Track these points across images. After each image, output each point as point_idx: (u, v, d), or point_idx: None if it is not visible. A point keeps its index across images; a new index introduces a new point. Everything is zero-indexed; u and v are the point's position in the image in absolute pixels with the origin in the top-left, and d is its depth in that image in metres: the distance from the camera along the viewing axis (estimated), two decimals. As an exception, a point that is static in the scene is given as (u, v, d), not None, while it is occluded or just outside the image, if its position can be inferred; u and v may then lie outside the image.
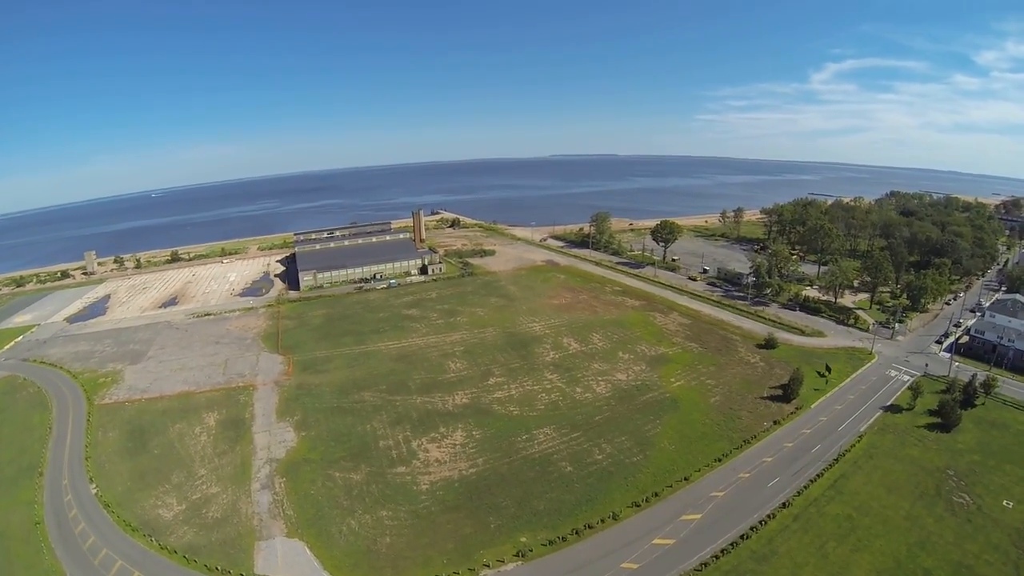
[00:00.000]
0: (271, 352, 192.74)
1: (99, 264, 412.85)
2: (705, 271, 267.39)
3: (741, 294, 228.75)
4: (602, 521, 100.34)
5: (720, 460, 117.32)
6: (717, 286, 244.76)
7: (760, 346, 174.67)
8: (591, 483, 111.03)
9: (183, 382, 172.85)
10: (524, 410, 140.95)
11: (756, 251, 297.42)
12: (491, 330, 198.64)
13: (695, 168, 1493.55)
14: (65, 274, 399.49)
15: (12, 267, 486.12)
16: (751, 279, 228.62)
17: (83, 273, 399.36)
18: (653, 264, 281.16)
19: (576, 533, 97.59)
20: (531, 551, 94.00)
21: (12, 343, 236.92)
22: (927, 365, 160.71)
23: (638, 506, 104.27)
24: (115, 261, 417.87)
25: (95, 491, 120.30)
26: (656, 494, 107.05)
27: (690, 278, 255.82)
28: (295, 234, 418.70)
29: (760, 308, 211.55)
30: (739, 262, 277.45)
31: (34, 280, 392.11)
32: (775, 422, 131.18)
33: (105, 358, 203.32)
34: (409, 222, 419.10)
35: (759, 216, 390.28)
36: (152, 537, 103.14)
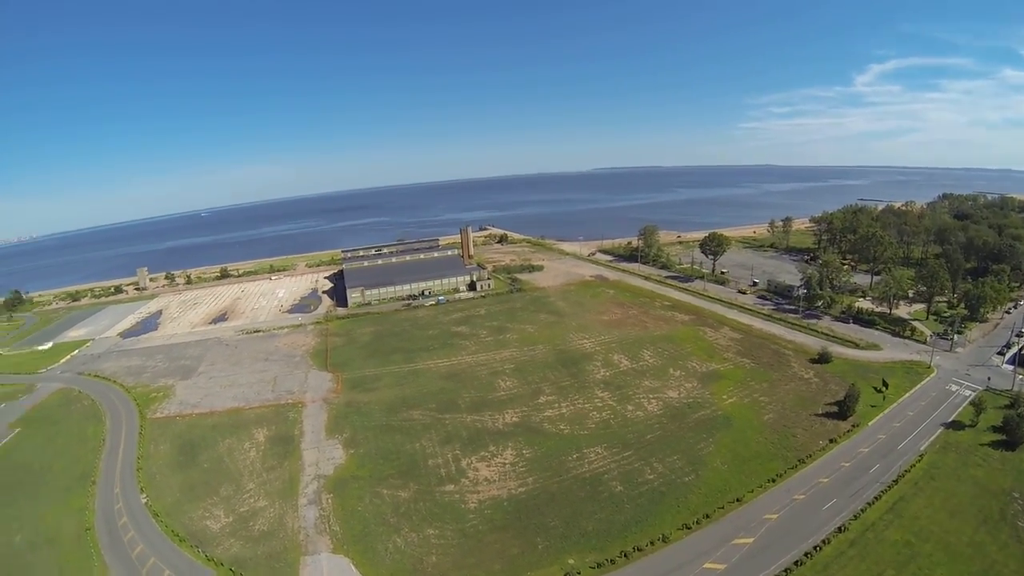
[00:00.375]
0: (320, 369, 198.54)
1: (151, 280, 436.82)
2: (755, 284, 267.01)
3: (792, 307, 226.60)
4: (652, 543, 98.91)
5: (774, 481, 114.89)
6: (767, 299, 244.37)
7: (814, 361, 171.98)
8: (641, 503, 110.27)
9: (233, 398, 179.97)
10: (575, 428, 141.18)
11: (806, 261, 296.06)
12: (541, 347, 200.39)
13: (740, 177, 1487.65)
14: (119, 289, 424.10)
15: (68, 282, 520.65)
16: (802, 291, 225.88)
17: (136, 288, 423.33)
18: (702, 277, 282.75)
19: (625, 556, 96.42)
20: (579, 574, 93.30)
21: (68, 357, 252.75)
22: (989, 378, 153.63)
23: (689, 528, 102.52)
24: (166, 277, 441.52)
25: (145, 501, 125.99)
26: (707, 516, 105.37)
27: (740, 291, 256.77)
28: (343, 251, 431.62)
29: (812, 321, 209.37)
30: (789, 273, 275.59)
31: (89, 295, 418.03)
32: (831, 440, 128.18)
33: (157, 373, 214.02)
34: (457, 238, 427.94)
35: (808, 225, 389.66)
36: (199, 548, 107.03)
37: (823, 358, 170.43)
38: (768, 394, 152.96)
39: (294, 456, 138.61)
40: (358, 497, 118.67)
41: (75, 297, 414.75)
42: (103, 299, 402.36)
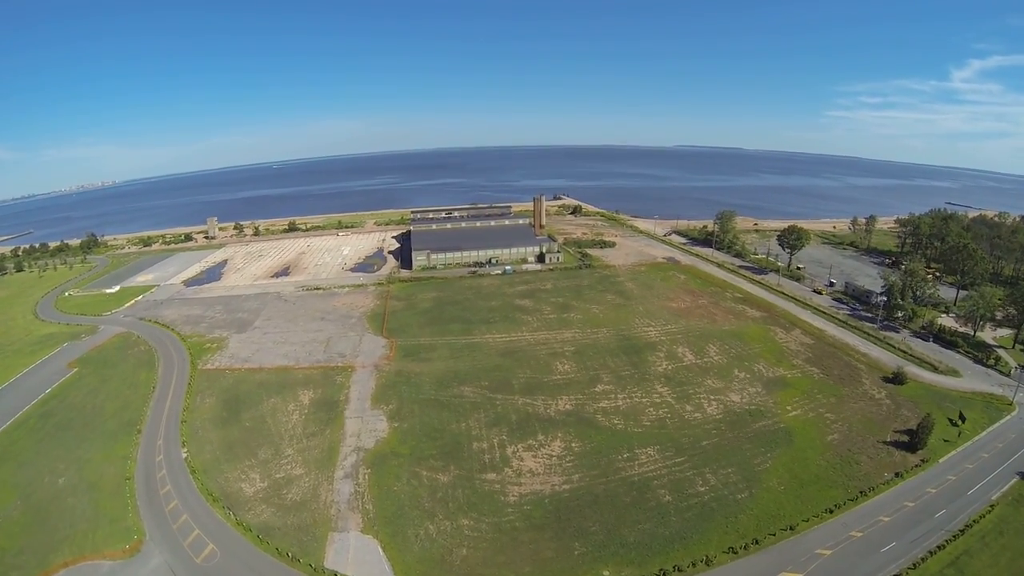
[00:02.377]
0: (375, 334, 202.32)
1: (220, 229, 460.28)
2: (831, 284, 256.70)
3: (869, 315, 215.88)
4: (693, 565, 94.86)
5: (831, 512, 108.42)
6: (843, 302, 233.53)
7: (887, 379, 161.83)
8: (688, 518, 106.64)
9: (284, 356, 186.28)
10: (629, 424, 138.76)
11: (888, 265, 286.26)
12: (604, 331, 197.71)
13: (823, 167, 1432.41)
14: (188, 237, 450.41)
15: (142, 227, 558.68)
16: (882, 299, 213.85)
17: (205, 237, 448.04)
18: (777, 271, 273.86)
19: (663, 574, 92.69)
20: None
21: (132, 301, 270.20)
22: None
23: (735, 553, 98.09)
24: (235, 227, 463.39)
25: (185, 455, 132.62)
26: (756, 541, 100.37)
27: (815, 291, 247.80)
28: (412, 211, 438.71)
29: (890, 334, 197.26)
30: (868, 277, 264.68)
31: (160, 241, 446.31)
32: (897, 474, 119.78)
33: (214, 324, 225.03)
34: (529, 206, 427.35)
35: (892, 226, 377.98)
36: (230, 511, 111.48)
37: (897, 378, 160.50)
38: (835, 411, 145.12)
39: (336, 424, 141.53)
40: (396, 476, 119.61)
41: (146, 242, 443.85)
42: (172, 246, 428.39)
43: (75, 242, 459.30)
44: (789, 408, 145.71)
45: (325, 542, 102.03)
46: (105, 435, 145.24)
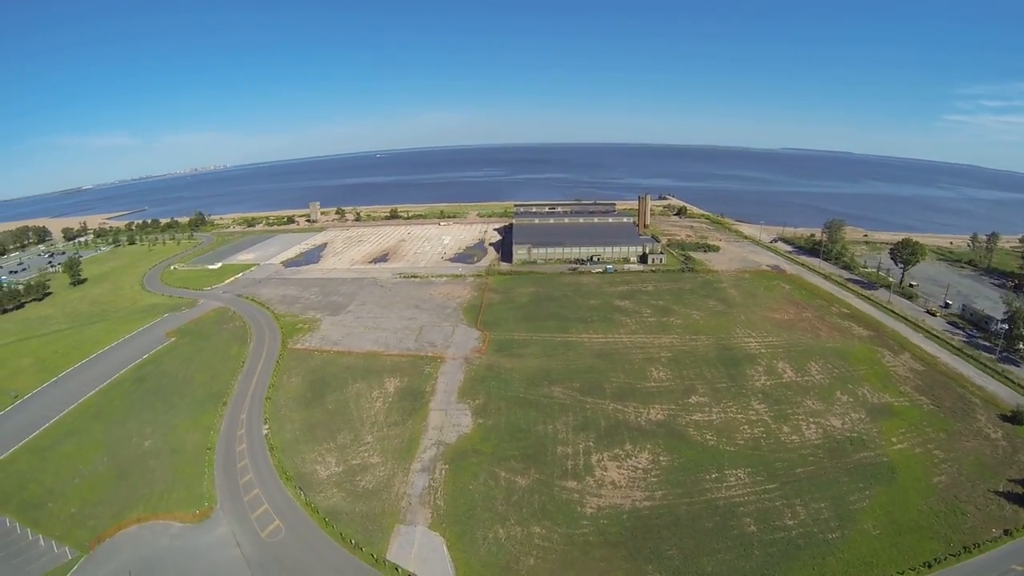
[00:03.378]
0: (469, 325, 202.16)
1: (322, 213, 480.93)
2: (947, 305, 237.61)
3: (988, 343, 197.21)
4: None
5: (930, 567, 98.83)
6: (959, 327, 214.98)
7: (1005, 418, 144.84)
8: (772, 553, 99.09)
9: (374, 342, 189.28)
10: (721, 441, 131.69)
11: (1011, 289, 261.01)
12: (703, 339, 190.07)
13: (939, 176, 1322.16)
14: (291, 219, 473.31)
15: (247, 208, 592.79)
16: (1003, 326, 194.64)
17: (307, 220, 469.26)
18: (888, 287, 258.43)
19: None
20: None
21: (232, 278, 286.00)
22: None
23: None
24: (337, 212, 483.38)
25: (266, 432, 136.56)
26: None
27: (928, 311, 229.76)
28: (515, 204, 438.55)
29: (1009, 367, 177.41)
30: (988, 300, 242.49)
31: (264, 222, 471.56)
32: (1006, 532, 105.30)
33: (308, 305, 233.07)
34: (634, 204, 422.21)
35: (1016, 245, 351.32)
36: (302, 491, 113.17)
37: (1016, 417, 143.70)
38: (944, 448, 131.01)
39: (420, 415, 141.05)
40: (473, 474, 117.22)
41: (250, 223, 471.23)
42: (275, 227, 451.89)
43: (184, 219, 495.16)
44: (894, 440, 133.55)
45: (391, 533, 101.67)
46: (193, 404, 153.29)
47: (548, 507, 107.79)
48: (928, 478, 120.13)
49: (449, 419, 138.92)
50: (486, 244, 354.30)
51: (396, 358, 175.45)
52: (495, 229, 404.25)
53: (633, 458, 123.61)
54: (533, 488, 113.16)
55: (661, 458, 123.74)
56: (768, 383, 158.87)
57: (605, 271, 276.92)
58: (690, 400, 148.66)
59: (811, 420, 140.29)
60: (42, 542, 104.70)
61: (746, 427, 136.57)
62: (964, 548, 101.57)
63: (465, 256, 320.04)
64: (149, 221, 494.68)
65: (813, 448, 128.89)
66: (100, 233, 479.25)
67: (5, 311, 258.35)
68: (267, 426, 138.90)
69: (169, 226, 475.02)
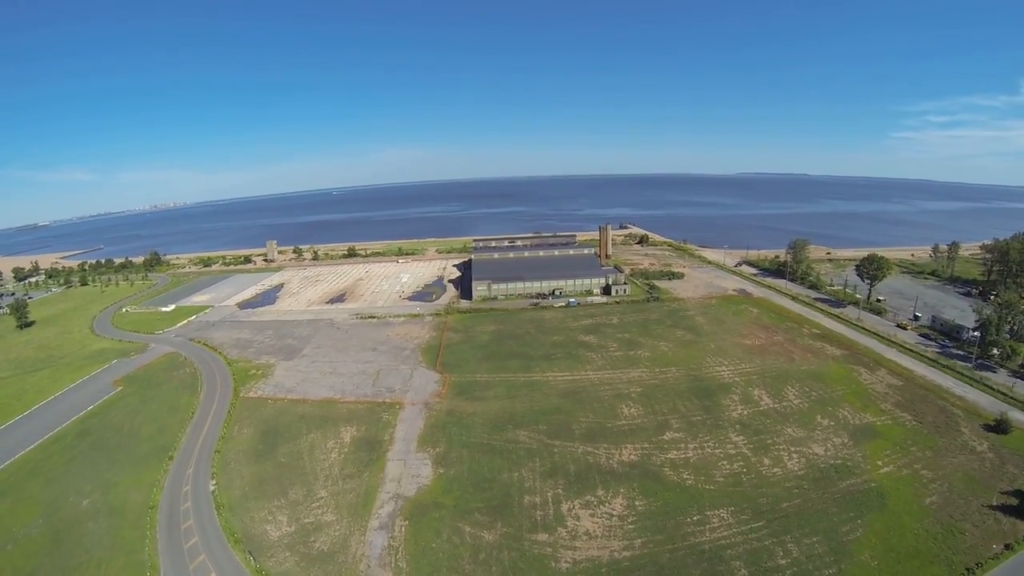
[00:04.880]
0: (428, 368, 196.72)
1: (279, 252, 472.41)
2: (916, 318, 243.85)
3: (961, 352, 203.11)
4: None
5: None
6: (931, 338, 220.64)
7: (988, 428, 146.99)
8: None
9: (329, 388, 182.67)
10: (700, 480, 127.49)
11: (976, 296, 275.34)
12: (674, 370, 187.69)
13: (892, 191, 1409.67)
14: (248, 259, 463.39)
15: (204, 247, 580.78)
16: (975, 335, 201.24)
17: (264, 260, 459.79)
18: (856, 304, 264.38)
19: None
20: None
21: (185, 321, 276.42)
22: None
23: None
24: (294, 251, 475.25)
25: (213, 488, 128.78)
26: None
27: (899, 325, 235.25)
28: (474, 240, 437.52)
29: (986, 374, 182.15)
30: (956, 309, 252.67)
31: (220, 262, 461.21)
32: (1007, 546, 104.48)
33: (262, 349, 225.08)
34: (595, 235, 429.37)
35: (975, 252, 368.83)
36: (252, 556, 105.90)
37: (1000, 426, 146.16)
38: (932, 467, 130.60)
39: (377, 466, 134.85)
40: (436, 531, 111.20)
41: (206, 263, 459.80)
42: (231, 267, 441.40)
43: (139, 259, 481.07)
44: (880, 463, 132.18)
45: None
46: (137, 459, 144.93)
47: (519, 565, 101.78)
48: (920, 500, 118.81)
49: (408, 469, 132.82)
50: (445, 281, 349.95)
51: (352, 405, 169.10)
52: (454, 265, 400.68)
53: (606, 504, 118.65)
54: (501, 543, 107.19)
55: (637, 502, 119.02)
56: (745, 412, 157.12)
57: (568, 305, 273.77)
58: (664, 437, 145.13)
59: (792, 449, 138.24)
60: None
61: (725, 462, 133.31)
62: (967, 569, 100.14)
63: (424, 294, 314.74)
64: (103, 261, 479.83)
65: (797, 480, 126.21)
66: (52, 273, 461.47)
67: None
68: (214, 482, 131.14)
69: (123, 266, 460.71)
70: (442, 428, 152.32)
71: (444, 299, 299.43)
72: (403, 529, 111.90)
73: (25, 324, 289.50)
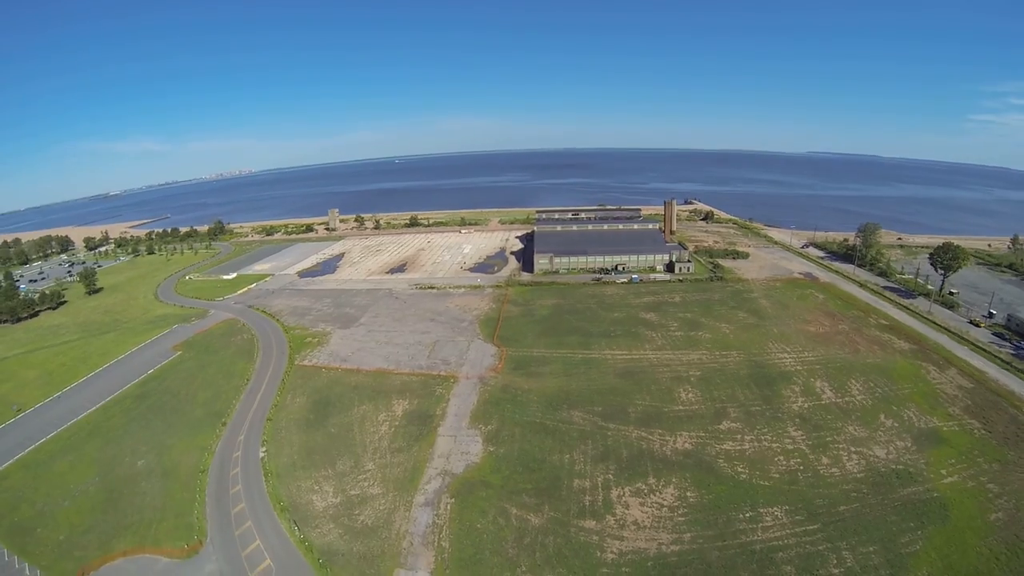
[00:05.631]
0: (485, 341, 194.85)
1: (341, 221, 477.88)
2: (991, 315, 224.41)
3: None
4: None
5: None
6: (1005, 338, 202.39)
7: None
8: None
9: (384, 358, 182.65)
10: (755, 475, 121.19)
11: None
12: (735, 355, 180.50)
13: (966, 178, 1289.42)
14: (310, 228, 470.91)
15: (269, 216, 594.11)
16: None
17: (326, 228, 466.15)
18: (927, 295, 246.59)
19: None
20: None
21: (246, 288, 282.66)
22: None
23: None
24: (356, 220, 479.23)
25: (263, 456, 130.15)
26: None
27: (972, 322, 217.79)
28: (537, 211, 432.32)
29: None
30: None
31: (283, 230, 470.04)
32: None
33: (319, 317, 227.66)
34: (659, 210, 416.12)
35: None
36: (296, 525, 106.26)
37: None
38: (999, 481, 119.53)
39: (426, 441, 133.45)
40: (482, 510, 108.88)
41: (269, 232, 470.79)
42: (293, 236, 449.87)
43: (204, 228, 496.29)
44: (944, 472, 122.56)
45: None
46: (191, 423, 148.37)
47: (564, 551, 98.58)
48: (984, 515, 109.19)
49: (458, 446, 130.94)
50: (507, 253, 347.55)
51: (406, 376, 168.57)
52: (517, 237, 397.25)
53: (658, 493, 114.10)
54: (547, 528, 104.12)
55: (689, 494, 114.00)
56: (806, 405, 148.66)
57: (630, 281, 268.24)
58: (721, 426, 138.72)
59: (852, 449, 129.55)
60: (28, 571, 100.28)
61: (781, 458, 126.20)
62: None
63: (485, 266, 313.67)
64: (169, 230, 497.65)
65: (855, 482, 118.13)
66: (121, 243, 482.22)
67: (20, 319, 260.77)
68: (264, 449, 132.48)
69: (188, 235, 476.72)
70: (496, 405, 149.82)
71: (506, 271, 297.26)
72: (448, 507, 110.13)
73: (94, 291, 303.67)
